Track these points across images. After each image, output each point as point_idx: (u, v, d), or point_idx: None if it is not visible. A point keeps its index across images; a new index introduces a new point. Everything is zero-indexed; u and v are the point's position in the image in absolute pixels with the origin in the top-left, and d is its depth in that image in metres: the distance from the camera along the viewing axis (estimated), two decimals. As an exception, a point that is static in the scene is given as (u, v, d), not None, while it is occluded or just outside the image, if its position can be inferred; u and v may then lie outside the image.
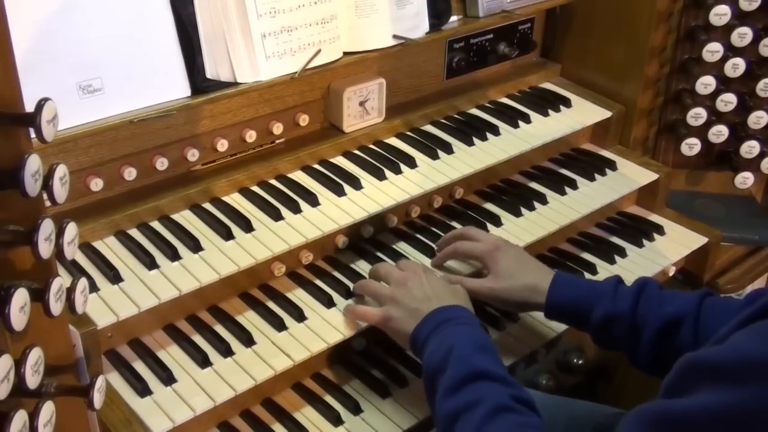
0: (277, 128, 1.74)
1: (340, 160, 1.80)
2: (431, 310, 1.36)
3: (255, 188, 1.68)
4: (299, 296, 1.56)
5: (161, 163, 1.59)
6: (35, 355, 0.88)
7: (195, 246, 1.49)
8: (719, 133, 2.16)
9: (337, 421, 1.43)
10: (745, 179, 2.23)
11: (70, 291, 0.94)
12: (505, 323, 1.67)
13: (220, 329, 1.47)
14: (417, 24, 1.83)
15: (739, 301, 1.33)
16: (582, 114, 2.11)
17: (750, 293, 1.34)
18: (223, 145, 1.66)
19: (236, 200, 1.64)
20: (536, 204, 1.88)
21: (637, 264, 1.87)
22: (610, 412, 1.49)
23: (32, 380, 0.87)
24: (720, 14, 2.03)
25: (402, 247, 1.71)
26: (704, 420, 0.84)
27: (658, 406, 0.91)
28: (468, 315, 1.38)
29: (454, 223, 1.79)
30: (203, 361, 1.39)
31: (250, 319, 1.50)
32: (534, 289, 1.48)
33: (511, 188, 1.95)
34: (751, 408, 0.81)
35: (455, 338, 1.29)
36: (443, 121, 1.99)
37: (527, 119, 2.03)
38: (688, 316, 1.34)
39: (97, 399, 0.98)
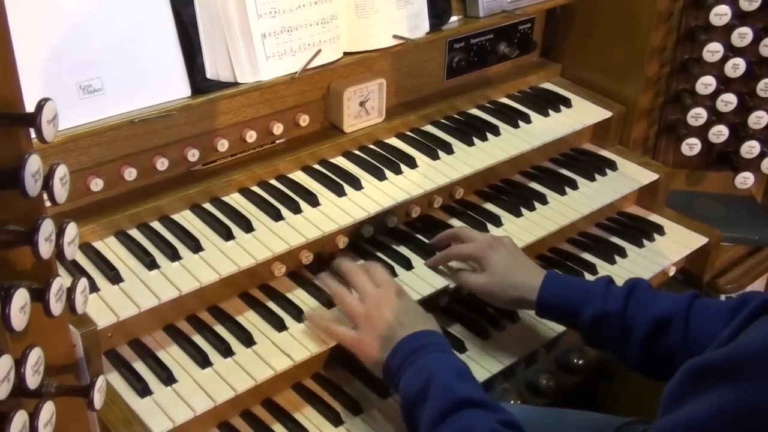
0: (278, 128, 1.74)
1: (340, 160, 1.80)
2: (403, 336, 1.34)
3: (255, 188, 1.68)
4: (299, 296, 1.56)
5: (161, 163, 1.59)
6: (35, 355, 0.88)
7: (195, 246, 1.49)
8: (719, 133, 2.16)
9: (337, 421, 1.42)
10: (745, 179, 2.24)
11: (70, 291, 0.94)
12: (505, 323, 1.67)
13: (220, 329, 1.47)
14: (417, 24, 1.83)
15: (728, 303, 1.33)
16: (582, 114, 2.11)
17: (740, 294, 1.34)
18: (223, 145, 1.66)
19: (236, 200, 1.64)
20: (536, 204, 1.88)
21: (637, 264, 1.87)
22: (608, 419, 1.49)
23: (32, 380, 0.87)
24: (720, 14, 2.04)
25: (402, 247, 1.71)
26: (711, 423, 0.83)
27: (666, 423, 0.90)
28: (441, 340, 1.36)
29: (454, 223, 1.79)
30: (203, 361, 1.39)
31: (250, 319, 1.50)
32: (525, 287, 1.50)
33: (511, 188, 1.95)
34: (758, 403, 0.80)
35: (433, 367, 1.27)
36: (443, 121, 1.99)
37: (527, 119, 2.03)
38: (677, 316, 1.35)
39: (97, 399, 0.98)
